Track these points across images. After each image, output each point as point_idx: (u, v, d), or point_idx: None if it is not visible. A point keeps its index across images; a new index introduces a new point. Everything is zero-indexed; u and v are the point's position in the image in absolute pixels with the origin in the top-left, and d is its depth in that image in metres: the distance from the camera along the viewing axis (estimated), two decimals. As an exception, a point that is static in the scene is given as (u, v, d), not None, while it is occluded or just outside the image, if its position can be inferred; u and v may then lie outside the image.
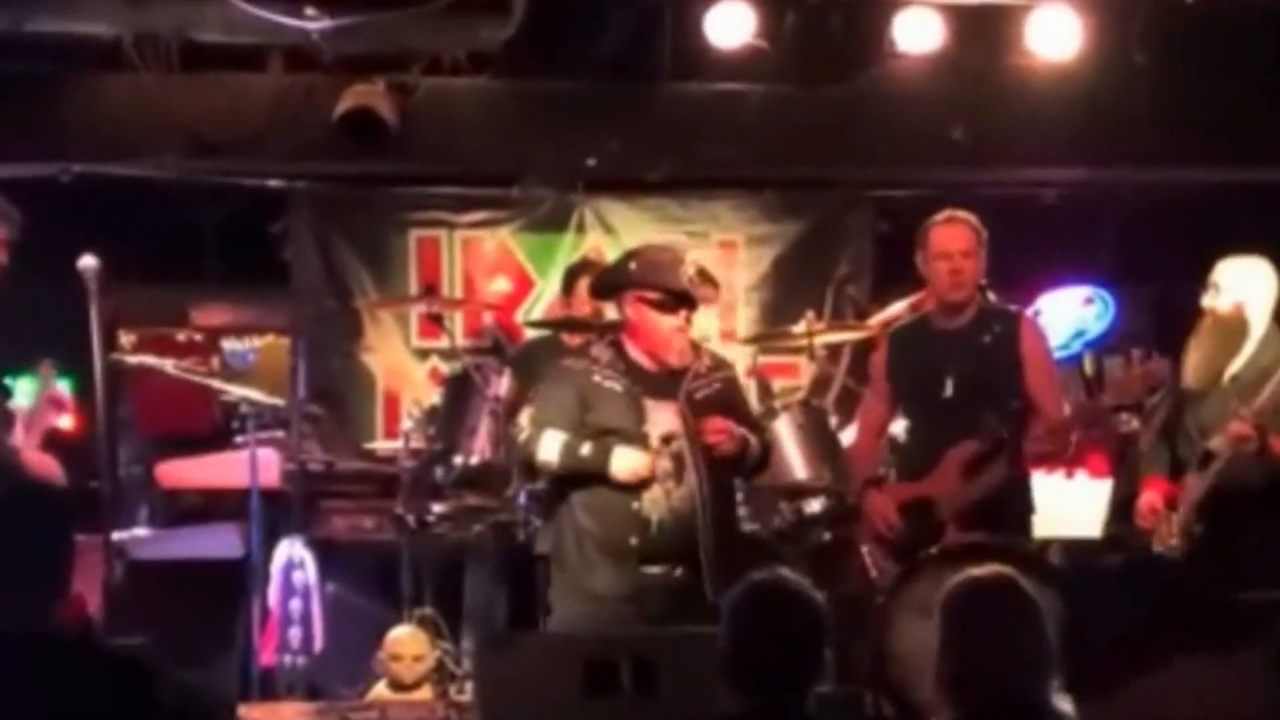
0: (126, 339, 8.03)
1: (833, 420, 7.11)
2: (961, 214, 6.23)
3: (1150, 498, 6.21)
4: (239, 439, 7.45)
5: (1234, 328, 6.15)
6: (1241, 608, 5.43)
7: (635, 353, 5.85)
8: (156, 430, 8.13)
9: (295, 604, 7.26)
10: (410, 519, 7.02)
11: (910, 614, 5.60)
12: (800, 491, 6.89)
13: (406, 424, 7.34)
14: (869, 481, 6.30)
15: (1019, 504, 6.20)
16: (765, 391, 7.48)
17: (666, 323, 5.78)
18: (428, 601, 7.03)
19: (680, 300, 5.79)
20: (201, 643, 6.90)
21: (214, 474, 7.71)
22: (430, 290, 8.03)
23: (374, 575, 7.52)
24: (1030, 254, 7.96)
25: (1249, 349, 6.15)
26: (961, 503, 6.03)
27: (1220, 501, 6.02)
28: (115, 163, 8.29)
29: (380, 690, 6.82)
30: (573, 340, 6.83)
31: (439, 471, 7.02)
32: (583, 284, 6.94)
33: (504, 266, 8.89)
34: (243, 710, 6.56)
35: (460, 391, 7.04)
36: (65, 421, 6.42)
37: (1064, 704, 3.70)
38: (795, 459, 6.86)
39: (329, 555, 7.51)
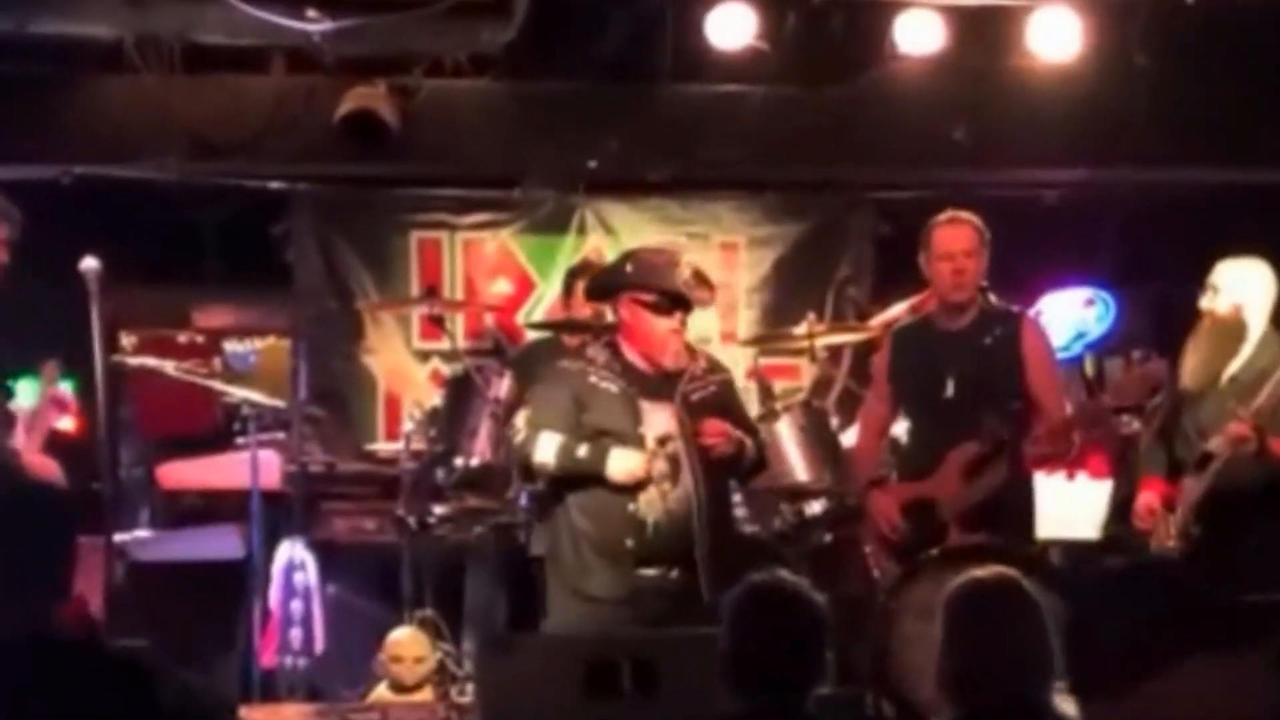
0: (128, 340, 8.01)
1: (834, 422, 7.09)
2: (965, 214, 6.23)
3: (1148, 499, 6.21)
4: (240, 440, 7.47)
5: (1232, 329, 6.14)
6: (1244, 609, 5.42)
7: (631, 354, 5.84)
8: (158, 432, 8.12)
9: (296, 605, 7.26)
10: (411, 521, 7.01)
11: (911, 615, 5.60)
12: (801, 493, 6.88)
13: (407, 426, 7.35)
14: (873, 482, 6.30)
15: (1020, 505, 6.21)
16: (766, 393, 7.45)
17: (662, 324, 5.77)
18: (428, 603, 7.03)
19: (676, 302, 5.78)
20: (203, 644, 6.91)
21: (215, 475, 7.72)
22: (431, 292, 8.02)
23: (375, 577, 7.52)
24: (1031, 255, 7.94)
25: (1247, 350, 6.15)
26: (963, 504, 6.03)
27: (1218, 503, 6.02)
28: (117, 164, 8.27)
29: (381, 692, 6.82)
30: (574, 342, 6.83)
31: (440, 473, 7.01)
32: (583, 285, 6.94)
33: (505, 268, 8.87)
34: (244, 712, 6.56)
35: (461, 393, 7.03)
36: (67, 423, 6.43)
37: (1066, 705, 3.70)
38: (796, 461, 6.84)
39: (330, 557, 7.51)
